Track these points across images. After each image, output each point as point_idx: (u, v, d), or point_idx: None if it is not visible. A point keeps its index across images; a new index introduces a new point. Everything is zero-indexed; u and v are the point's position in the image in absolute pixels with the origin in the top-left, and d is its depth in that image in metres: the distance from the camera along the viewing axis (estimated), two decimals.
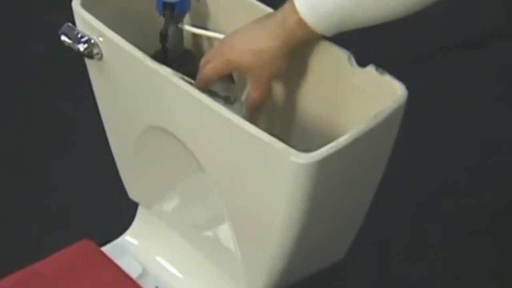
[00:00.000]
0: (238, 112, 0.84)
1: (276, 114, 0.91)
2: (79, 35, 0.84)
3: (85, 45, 0.84)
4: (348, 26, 0.76)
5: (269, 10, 0.83)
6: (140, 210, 1.03)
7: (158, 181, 0.96)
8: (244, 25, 0.82)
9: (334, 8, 0.74)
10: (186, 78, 0.81)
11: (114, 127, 0.96)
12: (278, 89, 0.89)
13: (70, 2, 0.86)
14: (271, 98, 0.89)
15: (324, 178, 0.74)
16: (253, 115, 0.84)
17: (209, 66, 0.82)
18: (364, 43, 1.56)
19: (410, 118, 0.82)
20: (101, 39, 0.84)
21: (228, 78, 0.85)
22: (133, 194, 1.02)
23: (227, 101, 0.84)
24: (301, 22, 0.76)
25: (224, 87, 0.86)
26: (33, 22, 1.70)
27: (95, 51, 0.84)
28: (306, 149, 0.72)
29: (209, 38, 0.92)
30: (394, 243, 1.34)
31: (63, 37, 0.84)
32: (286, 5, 0.78)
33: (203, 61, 0.84)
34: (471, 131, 1.52)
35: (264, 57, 0.79)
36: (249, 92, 0.83)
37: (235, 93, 0.86)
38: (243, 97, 0.85)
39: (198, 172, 0.88)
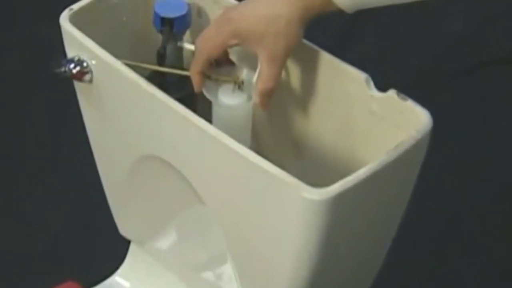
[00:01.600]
0: (247, 99, 0.82)
1: (285, 143, 0.90)
2: (68, 55, 0.84)
3: (73, 65, 0.84)
4: (371, 1, 0.76)
5: None
6: (132, 247, 1.02)
7: (152, 216, 0.97)
8: None
9: None
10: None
11: (105, 156, 0.96)
12: (287, 114, 0.89)
13: (53, 14, 0.86)
14: (279, 125, 0.90)
15: (339, 215, 0.73)
16: (263, 102, 0.81)
17: (212, 39, 0.79)
18: (384, 64, 1.58)
19: (435, 144, 0.82)
20: (91, 59, 0.84)
21: (227, 61, 0.83)
22: (124, 230, 1.02)
23: (236, 83, 0.82)
24: None
25: (224, 72, 0.84)
26: (9, 36, 1.71)
27: (84, 72, 0.84)
28: (319, 184, 0.72)
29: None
30: (418, 275, 1.34)
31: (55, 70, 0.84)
32: None
33: (200, 38, 0.81)
34: (503, 156, 1.53)
35: (278, 24, 0.77)
36: (260, 73, 0.79)
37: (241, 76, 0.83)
38: (255, 79, 0.81)
39: (197, 206, 0.88)
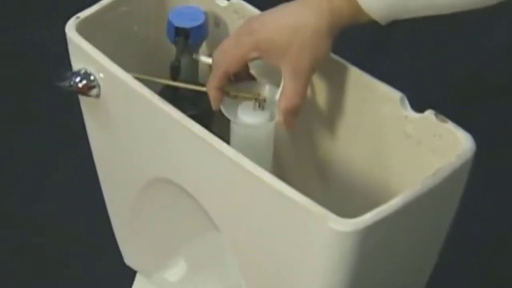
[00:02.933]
0: (267, 122, 0.82)
1: (310, 167, 0.90)
2: (73, 67, 0.84)
3: (78, 78, 0.84)
4: (409, 10, 0.75)
5: None
6: (138, 279, 1.03)
7: (161, 244, 0.97)
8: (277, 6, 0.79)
9: None
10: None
11: (111, 177, 0.96)
12: (313, 135, 0.89)
13: (56, 20, 0.86)
14: (303, 146, 0.90)
15: (370, 248, 0.73)
16: (287, 121, 0.80)
17: (231, 52, 0.79)
18: (420, 81, 1.58)
19: (477, 172, 0.81)
20: (99, 71, 0.84)
21: (247, 76, 0.83)
22: (130, 260, 1.02)
23: (256, 101, 0.82)
24: (351, 0, 0.75)
25: (244, 88, 0.84)
26: (6, 43, 1.72)
27: (91, 86, 0.84)
28: (347, 214, 0.71)
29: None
30: None
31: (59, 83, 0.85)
32: None
33: (218, 51, 0.80)
34: None
35: (304, 36, 0.76)
36: (284, 89, 0.79)
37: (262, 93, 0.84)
38: (277, 96, 0.81)
39: (210, 234, 0.89)
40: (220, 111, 0.88)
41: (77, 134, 0.97)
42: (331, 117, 0.86)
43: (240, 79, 0.83)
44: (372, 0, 0.75)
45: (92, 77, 0.84)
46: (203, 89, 0.84)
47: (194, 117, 0.80)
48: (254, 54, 0.79)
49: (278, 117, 0.81)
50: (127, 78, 0.82)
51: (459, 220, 0.83)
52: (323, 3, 0.77)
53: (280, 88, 0.80)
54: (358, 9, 0.76)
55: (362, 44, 1.58)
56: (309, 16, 0.77)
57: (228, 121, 0.85)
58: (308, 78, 0.79)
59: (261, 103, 0.83)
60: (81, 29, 0.85)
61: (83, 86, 0.84)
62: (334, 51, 0.82)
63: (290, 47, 0.77)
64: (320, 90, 0.86)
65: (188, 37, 0.87)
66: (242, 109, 0.83)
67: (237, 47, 0.80)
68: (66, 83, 0.84)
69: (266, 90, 0.84)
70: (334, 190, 0.89)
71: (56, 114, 1.54)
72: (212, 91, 0.83)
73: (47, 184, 1.48)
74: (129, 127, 0.87)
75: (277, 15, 0.78)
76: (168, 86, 0.90)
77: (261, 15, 0.80)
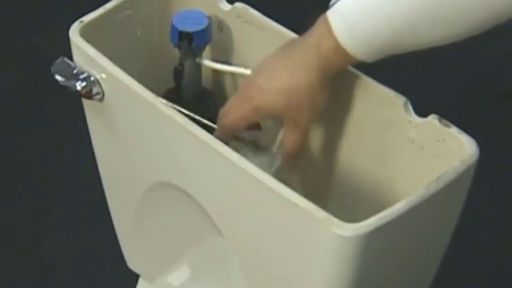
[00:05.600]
0: (269, 165, 0.85)
1: (314, 173, 0.91)
2: (76, 71, 0.84)
3: (83, 83, 0.84)
4: (400, 48, 0.76)
5: None
6: (140, 283, 1.03)
7: (164, 248, 0.97)
8: (268, 57, 0.82)
9: (377, 27, 0.74)
10: (206, 122, 0.81)
11: (114, 182, 0.96)
12: (316, 140, 0.89)
13: (56, 24, 0.86)
14: (307, 151, 0.90)
15: (373, 253, 0.73)
16: (290, 164, 0.84)
17: (233, 115, 0.82)
18: (424, 86, 1.57)
19: (481, 177, 0.81)
20: (103, 75, 0.84)
21: (253, 124, 0.86)
22: (133, 264, 1.02)
23: (256, 149, 0.85)
24: (339, 48, 0.76)
25: (248, 135, 0.86)
26: (5, 47, 1.71)
27: (94, 90, 0.85)
28: (351, 218, 0.72)
29: (233, 75, 0.93)
30: None
31: (57, 76, 0.85)
32: (317, 29, 0.78)
33: (224, 111, 0.84)
34: None
35: (299, 95, 0.79)
36: (285, 137, 0.83)
37: (264, 139, 0.86)
38: (274, 148, 0.85)
39: (214, 238, 0.89)
40: None
41: (81, 138, 0.98)
42: (335, 121, 0.86)
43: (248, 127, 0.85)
44: (363, 49, 0.76)
45: (95, 81, 0.84)
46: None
47: (197, 122, 0.80)
48: (256, 117, 0.83)
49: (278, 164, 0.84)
50: (130, 82, 0.82)
51: (462, 225, 0.83)
52: (310, 58, 0.78)
53: (278, 140, 0.85)
54: (347, 57, 0.77)
55: None
56: (299, 75, 0.79)
57: None
58: (307, 129, 0.83)
59: (259, 150, 0.86)
60: (85, 33, 0.85)
61: (87, 89, 0.85)
62: None
63: (288, 108, 0.81)
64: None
65: (192, 41, 0.87)
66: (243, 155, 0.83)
67: (238, 111, 0.82)
68: (69, 83, 0.84)
69: (264, 139, 0.86)
70: (338, 194, 0.89)
71: (60, 118, 1.55)
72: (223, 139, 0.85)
73: (49, 188, 1.48)
74: (133, 131, 0.87)
75: (273, 78, 0.81)
76: (171, 89, 0.91)
77: (258, 78, 0.82)
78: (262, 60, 0.82)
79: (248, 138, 0.86)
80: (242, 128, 0.83)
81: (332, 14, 0.76)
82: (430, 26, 0.73)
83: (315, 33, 0.78)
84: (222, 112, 0.84)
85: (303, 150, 0.84)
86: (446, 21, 0.73)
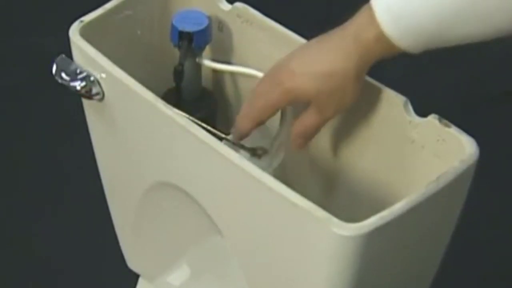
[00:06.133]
0: (267, 168, 0.84)
1: (314, 173, 0.91)
2: (76, 71, 0.84)
3: (83, 83, 0.84)
4: (443, 41, 0.74)
5: (305, 41, 0.84)
6: (140, 283, 1.03)
7: (164, 248, 0.97)
8: (302, 45, 0.80)
9: (424, 17, 0.72)
10: (211, 129, 0.81)
11: (114, 182, 0.96)
12: (317, 140, 0.88)
13: (56, 24, 0.85)
14: (307, 153, 0.90)
15: (373, 253, 0.73)
16: (297, 144, 0.82)
17: (262, 100, 0.80)
18: (424, 85, 1.57)
19: (481, 177, 0.81)
20: (103, 75, 0.84)
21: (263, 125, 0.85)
22: (133, 264, 1.02)
23: (254, 154, 0.85)
24: (381, 37, 0.74)
25: (258, 135, 0.86)
26: (5, 47, 1.71)
27: (94, 90, 0.84)
28: (351, 218, 0.71)
29: (234, 75, 0.93)
30: None
31: (56, 75, 0.84)
32: (359, 18, 0.76)
33: (253, 95, 0.81)
34: None
35: (334, 82, 0.77)
36: (305, 117, 0.80)
37: (265, 143, 0.86)
38: (273, 149, 0.85)
39: (213, 238, 0.89)
40: (222, 116, 0.88)
41: (81, 138, 0.98)
42: (335, 121, 0.86)
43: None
44: (407, 39, 0.74)
45: (95, 81, 0.84)
46: (223, 135, 0.84)
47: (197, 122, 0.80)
48: (285, 102, 0.80)
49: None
50: (130, 82, 0.82)
51: (462, 225, 0.83)
52: (348, 46, 0.76)
53: (277, 142, 0.84)
54: (389, 46, 0.75)
55: None
56: (335, 62, 0.77)
57: (230, 123, 0.85)
58: (331, 116, 0.80)
59: (257, 155, 0.85)
60: (85, 33, 0.85)
61: (87, 89, 0.84)
62: None
63: (318, 94, 0.78)
64: None
65: (192, 41, 0.87)
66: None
67: (267, 95, 0.80)
68: (69, 83, 0.84)
69: (265, 140, 0.86)
70: (338, 194, 0.89)
71: (60, 118, 1.54)
72: (244, 129, 0.83)
73: (49, 188, 1.48)
74: (133, 131, 0.87)
75: (306, 62, 0.78)
76: (171, 89, 0.91)
77: (290, 61, 0.79)
78: (272, 60, 0.81)
79: (248, 144, 0.85)
80: (269, 115, 0.81)
81: (377, 3, 0.74)
82: (479, 18, 0.71)
83: (356, 21, 0.76)
84: (252, 93, 0.81)
85: (314, 135, 0.82)
86: (496, 14, 0.71)
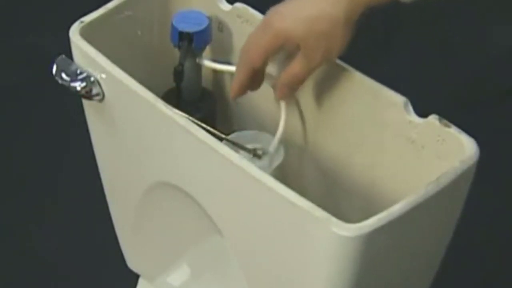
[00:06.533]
0: (267, 168, 0.84)
1: (314, 173, 0.90)
2: (77, 71, 0.84)
3: (83, 84, 0.84)
4: None
5: None
6: (140, 283, 1.03)
7: (164, 248, 0.97)
8: None
9: None
10: (211, 129, 0.81)
11: (114, 182, 0.96)
12: (315, 140, 0.89)
13: (57, 23, 0.85)
14: (306, 152, 0.90)
15: (373, 253, 0.73)
16: (283, 93, 0.83)
17: (254, 46, 0.81)
18: (423, 84, 1.57)
19: (481, 177, 0.81)
20: (103, 76, 0.84)
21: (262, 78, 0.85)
22: (133, 264, 1.02)
23: (254, 154, 0.85)
24: None
25: (245, 138, 0.87)
26: (5, 47, 1.71)
27: (94, 90, 0.84)
28: (350, 219, 0.71)
29: (233, 75, 0.93)
30: None
31: (57, 76, 0.84)
32: None
33: (243, 46, 0.82)
34: None
35: (322, 26, 0.78)
36: (292, 66, 0.81)
37: (265, 144, 0.86)
38: (271, 148, 0.85)
39: (213, 238, 0.88)
40: (222, 116, 0.88)
41: (81, 138, 0.98)
42: (334, 122, 0.86)
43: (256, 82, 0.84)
44: None
45: (95, 81, 0.84)
46: (223, 136, 0.84)
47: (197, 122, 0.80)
48: (275, 45, 0.80)
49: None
50: (130, 82, 0.82)
51: (462, 225, 0.83)
52: None
53: (275, 141, 0.84)
54: None
55: (364, 48, 1.58)
56: (325, 6, 0.78)
57: (229, 123, 0.85)
58: (318, 64, 0.81)
59: (258, 155, 0.85)
60: (85, 34, 0.85)
61: (87, 90, 0.84)
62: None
63: (307, 36, 0.79)
64: (322, 94, 0.86)
65: (192, 42, 0.87)
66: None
67: (259, 39, 0.81)
68: (69, 83, 0.84)
69: (265, 140, 0.87)
70: (338, 195, 0.89)
71: (59, 118, 1.54)
72: (236, 86, 0.84)
73: (49, 188, 1.48)
74: (133, 132, 0.87)
75: (296, 6, 0.79)
76: (171, 90, 0.91)
77: (280, 6, 0.80)
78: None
79: (245, 143, 0.86)
80: (264, 57, 0.81)
81: None
82: None
83: None
84: (243, 46, 0.82)
85: (300, 85, 0.83)
86: None
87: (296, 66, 0.81)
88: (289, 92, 0.84)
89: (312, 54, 0.80)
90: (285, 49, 0.81)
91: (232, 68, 0.91)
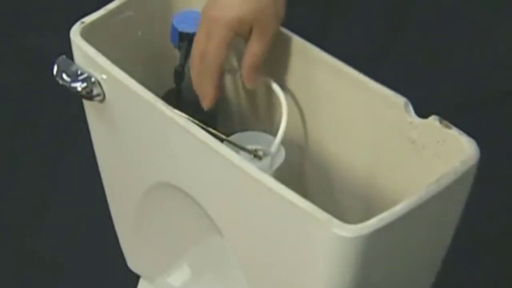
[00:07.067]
0: (267, 169, 0.84)
1: (314, 174, 0.91)
2: (77, 72, 0.84)
3: (84, 84, 0.84)
4: None
5: (308, 44, 0.85)
6: (141, 284, 1.03)
7: (164, 249, 0.97)
8: None
9: None
10: (212, 130, 0.81)
11: (115, 182, 0.96)
12: (314, 141, 0.89)
13: (57, 24, 0.85)
14: (305, 153, 0.90)
15: (373, 254, 0.73)
16: (251, 77, 0.83)
17: (211, 47, 0.81)
18: (423, 85, 1.57)
19: (482, 178, 0.81)
20: (104, 76, 0.84)
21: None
22: (133, 264, 1.02)
23: (255, 155, 0.85)
24: None
25: (244, 139, 0.87)
26: (6, 47, 1.70)
27: (95, 91, 0.85)
28: (350, 220, 0.71)
29: (234, 76, 0.93)
30: None
31: (57, 77, 0.84)
32: None
33: (196, 52, 0.82)
34: None
35: (264, 1, 0.79)
36: (251, 48, 0.82)
37: (264, 146, 0.86)
38: (272, 149, 0.85)
39: (214, 239, 0.89)
40: (223, 116, 0.88)
41: (81, 138, 0.98)
42: (333, 123, 0.86)
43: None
44: None
45: (96, 82, 0.84)
46: (224, 136, 0.85)
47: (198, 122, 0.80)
48: (230, 36, 0.81)
49: (243, 74, 0.84)
50: (131, 83, 0.82)
51: (463, 225, 0.83)
52: None
53: (276, 142, 0.84)
54: None
55: (364, 49, 1.58)
56: None
57: (231, 124, 0.86)
58: (274, 36, 0.82)
59: (258, 156, 0.85)
60: (86, 34, 0.85)
61: (88, 90, 0.85)
62: (337, 55, 0.83)
63: (256, 13, 0.80)
64: (323, 95, 0.86)
65: (192, 42, 0.86)
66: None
67: (211, 38, 0.81)
68: (70, 84, 0.84)
69: (266, 141, 0.87)
70: (338, 195, 0.89)
71: (60, 118, 1.54)
72: (211, 91, 0.84)
73: (49, 188, 1.48)
74: (134, 132, 0.87)
75: None
76: (172, 90, 0.91)
77: (212, 2, 0.81)
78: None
79: (244, 144, 0.86)
80: (225, 52, 0.82)
81: None
82: None
83: None
84: (195, 52, 0.83)
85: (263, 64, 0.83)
86: None
87: (255, 46, 0.82)
88: (256, 75, 0.84)
89: (266, 29, 0.81)
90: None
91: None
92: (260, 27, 0.81)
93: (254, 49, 0.82)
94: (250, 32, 0.81)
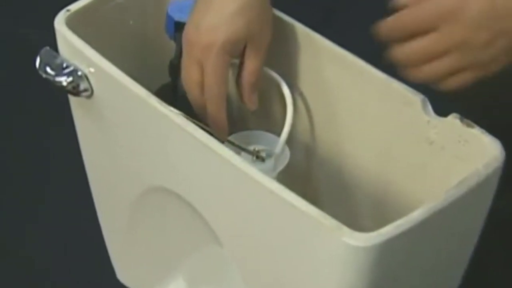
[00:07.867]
0: (271, 171, 0.84)
1: (324, 177, 0.91)
2: (62, 65, 0.84)
3: (70, 78, 0.84)
4: None
5: (316, 35, 0.85)
6: None
7: (157, 259, 0.97)
8: (192, 12, 0.82)
9: None
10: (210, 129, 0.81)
11: (104, 187, 0.96)
12: (326, 142, 0.89)
13: (42, 14, 0.86)
14: (315, 154, 0.90)
15: (387, 265, 0.72)
16: (252, 93, 0.85)
17: (211, 75, 0.82)
18: None
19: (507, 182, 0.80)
20: (91, 69, 0.84)
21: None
22: (123, 276, 1.02)
23: (257, 156, 0.85)
24: None
25: (246, 139, 0.87)
26: None
27: (82, 86, 0.84)
28: (363, 226, 0.71)
29: (232, 69, 0.93)
30: None
31: (40, 70, 0.84)
32: None
33: (189, 86, 0.83)
34: None
35: (253, 13, 0.81)
36: (247, 67, 0.83)
37: (268, 146, 0.86)
38: (276, 149, 0.85)
39: (211, 248, 0.88)
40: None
41: (68, 135, 0.97)
42: (347, 122, 0.86)
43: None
44: None
45: (83, 76, 0.84)
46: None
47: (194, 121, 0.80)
48: (226, 61, 0.82)
49: (245, 96, 0.85)
50: (121, 77, 0.82)
51: (485, 233, 0.82)
52: None
53: (280, 143, 0.85)
54: None
55: (379, 43, 1.59)
56: None
57: (231, 124, 0.85)
58: (267, 50, 0.83)
59: (261, 158, 0.86)
60: (72, 23, 0.85)
61: (74, 85, 0.84)
62: (351, 50, 0.83)
63: (249, 29, 0.81)
64: (331, 91, 0.86)
65: None
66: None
67: (208, 68, 0.82)
68: (54, 78, 0.84)
69: (269, 141, 0.87)
70: (348, 200, 0.89)
71: (45, 113, 1.54)
72: (222, 122, 0.85)
73: (34, 190, 1.48)
74: (124, 131, 0.87)
75: (218, 12, 0.81)
76: (165, 85, 0.90)
77: (199, 23, 0.81)
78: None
79: (246, 145, 0.86)
80: (226, 82, 0.83)
81: None
82: None
83: None
84: (188, 87, 0.83)
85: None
86: None
87: (251, 62, 0.83)
88: (255, 91, 0.85)
89: (258, 42, 0.82)
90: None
91: (235, 60, 0.90)
92: (254, 43, 0.82)
93: (251, 65, 0.83)
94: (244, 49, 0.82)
